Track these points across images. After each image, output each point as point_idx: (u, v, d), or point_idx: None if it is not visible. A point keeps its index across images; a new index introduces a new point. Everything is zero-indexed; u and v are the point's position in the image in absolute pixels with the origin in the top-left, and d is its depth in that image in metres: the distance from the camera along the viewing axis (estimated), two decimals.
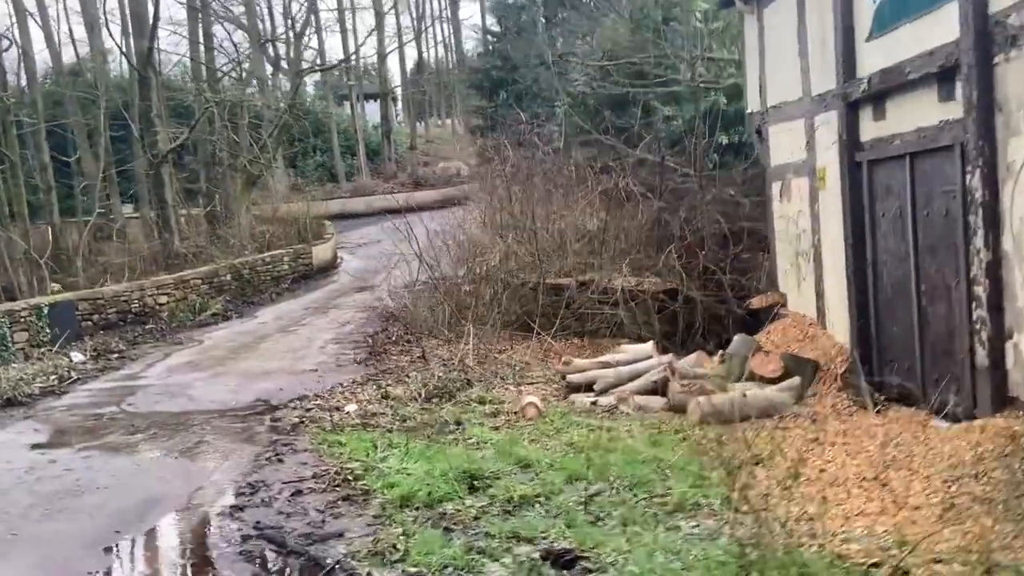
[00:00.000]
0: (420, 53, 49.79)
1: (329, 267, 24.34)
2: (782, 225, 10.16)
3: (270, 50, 31.85)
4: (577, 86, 23.21)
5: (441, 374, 9.92)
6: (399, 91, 49.77)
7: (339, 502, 6.23)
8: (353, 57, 36.37)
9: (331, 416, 8.84)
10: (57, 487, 6.99)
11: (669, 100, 20.95)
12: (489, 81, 25.01)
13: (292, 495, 6.46)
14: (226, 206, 27.07)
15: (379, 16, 40.15)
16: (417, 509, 5.91)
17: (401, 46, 44.19)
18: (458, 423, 8.17)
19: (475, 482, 6.31)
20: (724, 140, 15.24)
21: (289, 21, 30.25)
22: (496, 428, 8.05)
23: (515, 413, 8.60)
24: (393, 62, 48.06)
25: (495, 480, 6.35)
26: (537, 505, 5.85)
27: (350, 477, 6.70)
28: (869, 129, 7.99)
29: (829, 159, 8.86)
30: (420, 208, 39.47)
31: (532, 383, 9.93)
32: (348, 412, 9.05)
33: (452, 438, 7.79)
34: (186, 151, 29.93)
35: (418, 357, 11.86)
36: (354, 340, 14.01)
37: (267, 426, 8.75)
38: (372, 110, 48.97)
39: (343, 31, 41.85)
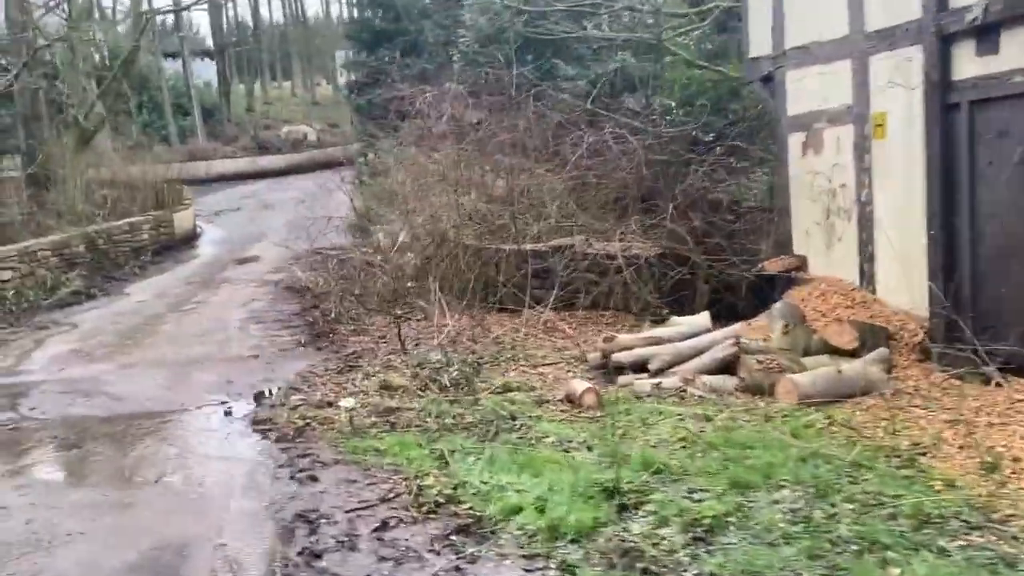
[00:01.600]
0: (256, 7, 45.97)
1: (191, 237, 21.56)
2: (805, 181, 9.22)
3: None
4: (465, 39, 21.64)
5: (440, 357, 8.26)
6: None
7: (452, 536, 4.61)
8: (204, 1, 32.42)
9: (331, 414, 7.02)
10: None
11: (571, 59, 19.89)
12: (370, 33, 22.74)
13: (376, 531, 4.75)
14: (47, 166, 23.38)
15: None
16: (574, 541, 4.41)
17: None
18: (512, 417, 6.62)
19: (619, 498, 4.88)
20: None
21: None
22: (567, 422, 6.57)
23: (564, 401, 7.16)
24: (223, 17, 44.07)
25: (641, 494, 4.94)
26: (731, 527, 4.50)
27: (439, 499, 5.05)
28: (969, 66, 7.13)
29: (891, 103, 7.95)
30: (267, 174, 37.04)
31: (551, 364, 8.47)
32: (346, 408, 7.26)
33: (518, 437, 6.25)
34: None
35: (379, 338, 10.08)
36: (277, 320, 11.95)
37: (257, 431, 6.81)
38: (201, 69, 44.79)
39: None
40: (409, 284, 11.04)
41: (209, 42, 46.24)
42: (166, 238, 20.22)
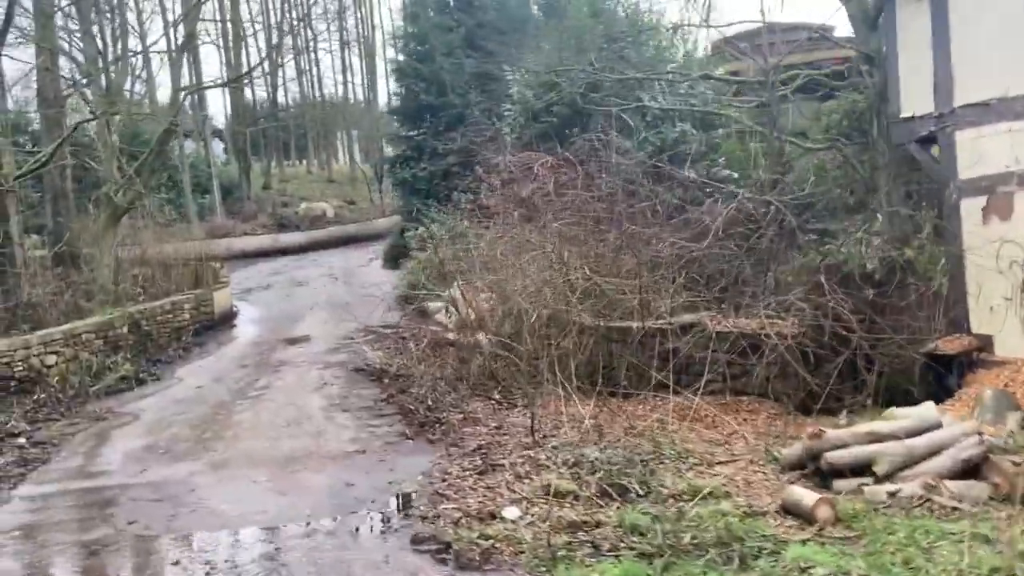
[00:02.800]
0: (275, 88, 45.76)
1: (229, 316, 20.39)
2: (988, 251, 8.20)
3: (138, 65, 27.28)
4: (512, 112, 20.97)
5: (597, 455, 7.08)
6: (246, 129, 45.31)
7: None
8: (246, 76, 31.92)
9: (505, 529, 5.80)
10: None
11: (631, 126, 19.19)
12: (414, 106, 22.04)
13: None
14: (74, 244, 22.31)
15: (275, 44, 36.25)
16: None
17: (276, 67, 39.68)
18: (738, 538, 5.41)
19: None
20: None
21: (170, 31, 25.94)
22: (815, 543, 5.35)
23: (782, 513, 5.95)
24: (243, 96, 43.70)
25: None
26: None
27: None
28: None
29: None
30: (288, 251, 36.12)
31: (727, 462, 7.28)
32: (511, 518, 6.06)
33: (771, 565, 5.03)
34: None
35: (496, 428, 8.88)
36: (364, 407, 10.75)
37: (423, 552, 5.60)
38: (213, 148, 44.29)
39: (226, 48, 37.07)
40: (517, 366, 9.85)
41: (216, 122, 46.05)
42: (206, 318, 19.07)
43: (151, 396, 12.71)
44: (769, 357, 8.91)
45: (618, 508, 6.07)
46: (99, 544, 6.33)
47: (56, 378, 13.58)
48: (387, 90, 50.63)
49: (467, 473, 7.31)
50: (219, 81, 28.95)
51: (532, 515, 6.15)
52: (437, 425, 9.30)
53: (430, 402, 10.14)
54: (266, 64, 33.15)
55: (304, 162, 51.94)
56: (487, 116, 22.02)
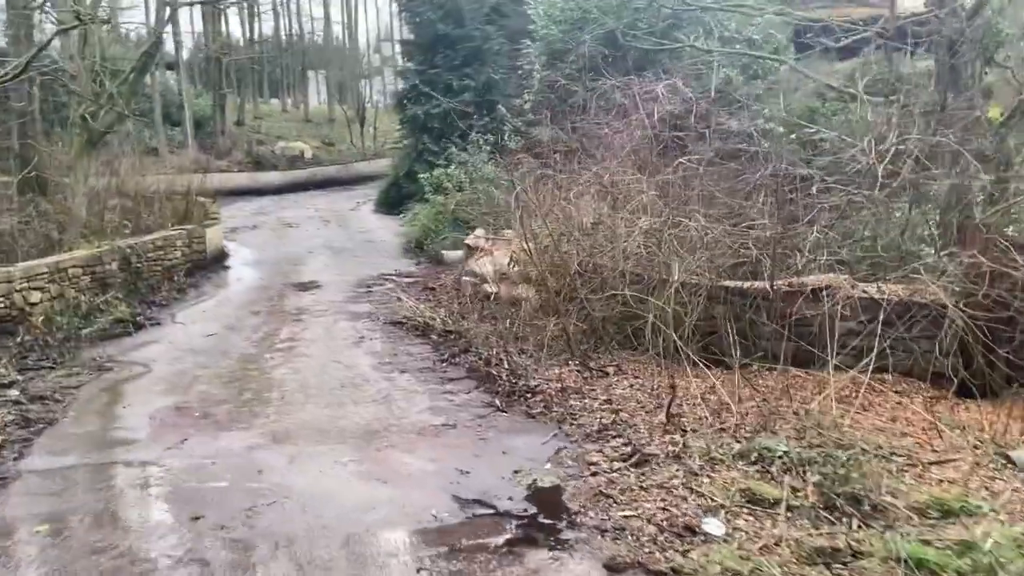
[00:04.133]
0: (252, 17, 42.79)
1: (221, 256, 18.41)
2: None
3: None
4: (531, 51, 19.10)
5: (785, 448, 5.58)
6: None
7: None
8: None
9: (725, 556, 4.29)
10: None
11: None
12: (430, 37, 19.96)
13: None
14: (40, 171, 19.96)
15: None
16: None
17: None
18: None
19: None
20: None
21: None
22: None
23: None
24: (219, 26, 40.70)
25: None
26: None
27: None
28: None
29: None
30: (267, 191, 33.82)
31: (943, 462, 5.83)
32: (716, 533, 4.55)
33: None
34: None
35: (606, 402, 7.34)
36: (425, 368, 9.12)
37: None
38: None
39: None
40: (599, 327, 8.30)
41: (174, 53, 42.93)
42: (198, 257, 17.09)
43: (156, 343, 10.88)
44: (926, 331, 7.49)
45: (860, 528, 4.59)
46: (165, 555, 4.66)
47: (41, 318, 11.66)
48: (376, 27, 48.05)
49: (617, 463, 5.76)
50: None
51: (741, 530, 4.64)
52: (529, 395, 7.71)
53: (507, 365, 8.54)
54: None
55: (277, 100, 49.17)
56: (507, 53, 20.15)
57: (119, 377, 9.16)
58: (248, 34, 43.37)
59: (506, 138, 17.54)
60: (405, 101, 20.32)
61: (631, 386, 7.74)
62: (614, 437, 6.33)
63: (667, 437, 6.24)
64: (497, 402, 7.58)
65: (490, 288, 12.79)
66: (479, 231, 16.61)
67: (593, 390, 7.72)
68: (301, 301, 13.69)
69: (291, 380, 8.70)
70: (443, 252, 16.62)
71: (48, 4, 22.84)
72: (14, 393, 8.55)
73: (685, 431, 6.32)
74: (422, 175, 18.61)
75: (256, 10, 43.90)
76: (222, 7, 31.15)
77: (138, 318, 12.36)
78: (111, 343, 11.03)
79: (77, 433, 7.12)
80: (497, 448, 6.37)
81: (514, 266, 11.06)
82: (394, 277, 15.63)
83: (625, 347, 9.02)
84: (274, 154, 38.76)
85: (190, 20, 43.34)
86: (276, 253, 19.08)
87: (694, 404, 7.00)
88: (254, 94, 45.58)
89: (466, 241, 16.51)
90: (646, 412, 6.97)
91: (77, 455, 6.54)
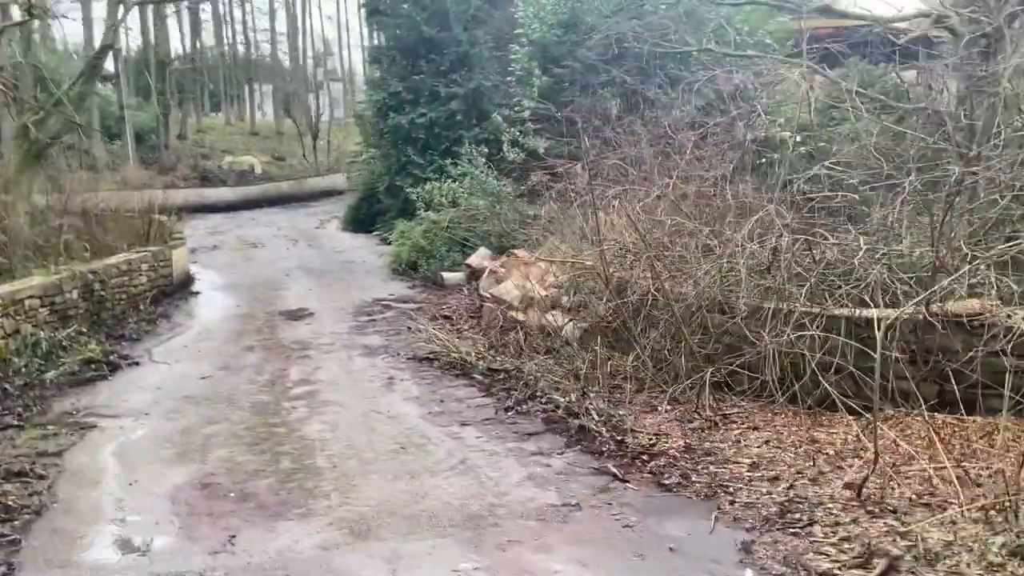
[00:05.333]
0: (197, 26, 40.46)
1: (188, 281, 16.43)
2: None
3: None
4: (519, 57, 17.73)
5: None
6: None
7: None
8: None
9: None
10: None
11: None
12: (412, 39, 18.30)
13: None
14: None
15: None
16: None
17: None
18: None
19: None
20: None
21: None
22: None
23: None
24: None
25: None
26: None
27: None
28: None
29: None
30: (217, 208, 31.55)
31: None
32: None
33: None
34: None
35: (752, 465, 5.90)
36: (485, 419, 7.54)
37: None
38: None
39: None
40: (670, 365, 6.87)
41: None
42: (164, 282, 15.12)
43: (141, 389, 9.05)
44: None
45: None
46: None
47: None
48: (322, 37, 46.31)
49: (854, 572, 4.29)
50: None
51: None
52: (645, 456, 6.22)
53: (596, 415, 7.03)
54: None
55: (221, 113, 46.76)
56: (496, 58, 18.71)
57: (109, 437, 7.35)
58: (191, 44, 40.99)
59: (505, 148, 16.06)
60: (387, 110, 18.60)
61: (767, 442, 6.32)
62: (807, 524, 4.87)
63: (881, 523, 4.82)
64: (611, 468, 6.06)
65: (518, 315, 11.29)
66: (482, 251, 15.09)
67: (721, 447, 6.28)
68: (297, 332, 11.93)
69: (332, 440, 7.02)
70: (442, 274, 15.02)
71: None
72: None
73: (894, 510, 4.92)
74: (410, 189, 16.96)
75: (199, 19, 41.64)
76: (175, 9, 28.88)
77: (111, 357, 10.46)
78: (84, 390, 9.15)
79: (78, 530, 5.34)
80: (655, 541, 4.86)
81: (572, 292, 9.54)
82: (393, 303, 13.97)
83: (720, 387, 7.61)
84: (222, 169, 36.56)
85: (125, 30, 40.75)
86: (248, 276, 17.18)
87: (865, 464, 5.63)
88: (197, 107, 43.13)
89: (468, 262, 14.98)
90: (813, 481, 5.56)
91: (89, 570, 4.79)
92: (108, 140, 34.92)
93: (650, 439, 6.48)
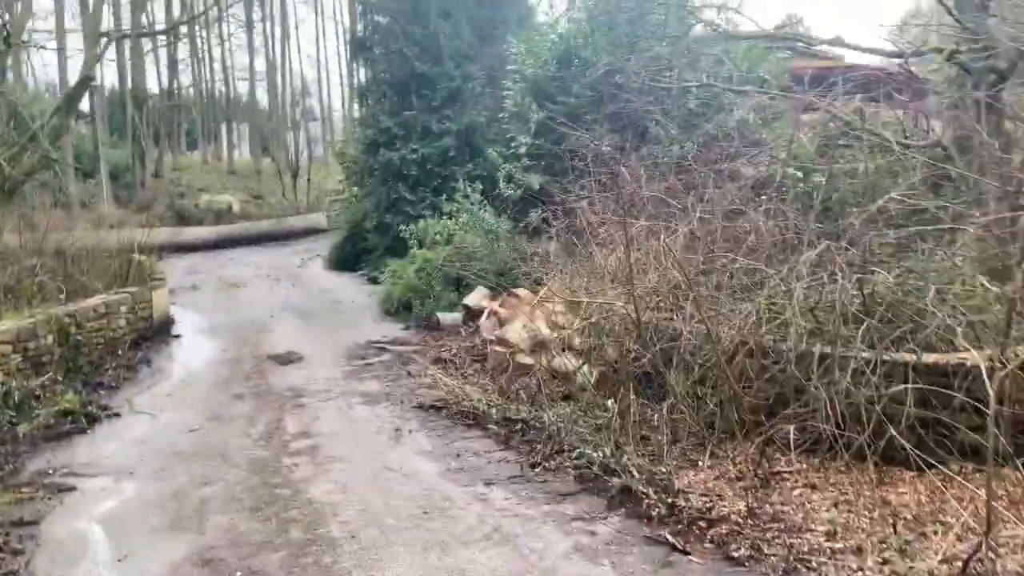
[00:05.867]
0: (173, 64, 39.81)
1: (167, 323, 15.52)
2: None
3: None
4: (512, 94, 17.28)
5: None
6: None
7: None
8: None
9: None
10: None
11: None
12: (402, 75, 17.75)
13: None
14: None
15: None
16: None
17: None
18: None
19: None
20: None
21: None
22: None
23: None
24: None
25: None
26: None
27: None
28: None
29: None
30: (195, 247, 30.62)
31: None
32: None
33: None
34: None
35: (827, 534, 5.24)
36: (510, 476, 6.83)
37: None
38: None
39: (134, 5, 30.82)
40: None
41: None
42: (143, 325, 14.23)
43: (123, 444, 8.22)
44: None
45: None
46: None
47: None
48: (300, 76, 45.99)
49: None
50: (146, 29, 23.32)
51: None
52: (703, 522, 5.52)
53: (636, 473, 6.33)
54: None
55: (197, 152, 45.94)
56: (488, 95, 18.24)
57: (91, 501, 6.52)
58: (168, 82, 40.30)
59: (501, 185, 15.50)
60: (377, 146, 17.98)
61: (835, 505, 5.66)
62: None
63: None
64: (668, 537, 5.36)
65: (526, 359, 10.60)
66: (480, 290, 14.42)
67: (785, 511, 5.60)
68: (289, 378, 11.14)
69: (345, 503, 6.25)
70: (438, 315, 14.32)
71: None
72: None
73: None
74: (402, 227, 16.30)
75: (176, 56, 41.02)
76: (152, 47, 28.22)
77: (89, 408, 9.59)
78: (61, 445, 8.31)
79: None
80: None
81: (595, 334, 8.88)
82: (387, 345, 13.21)
83: (761, 440, 6.96)
84: (199, 208, 35.69)
85: (101, 66, 40.00)
86: (231, 318, 16.33)
87: (962, 531, 4.98)
88: (174, 145, 42.32)
89: (465, 302, 14.30)
90: (902, 552, 4.90)
91: None
92: (82, 178, 33.97)
93: (704, 501, 5.79)
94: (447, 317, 14.28)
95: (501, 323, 12.31)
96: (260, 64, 45.27)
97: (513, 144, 16.13)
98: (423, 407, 9.21)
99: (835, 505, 5.65)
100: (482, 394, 9.21)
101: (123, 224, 30.93)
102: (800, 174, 13.35)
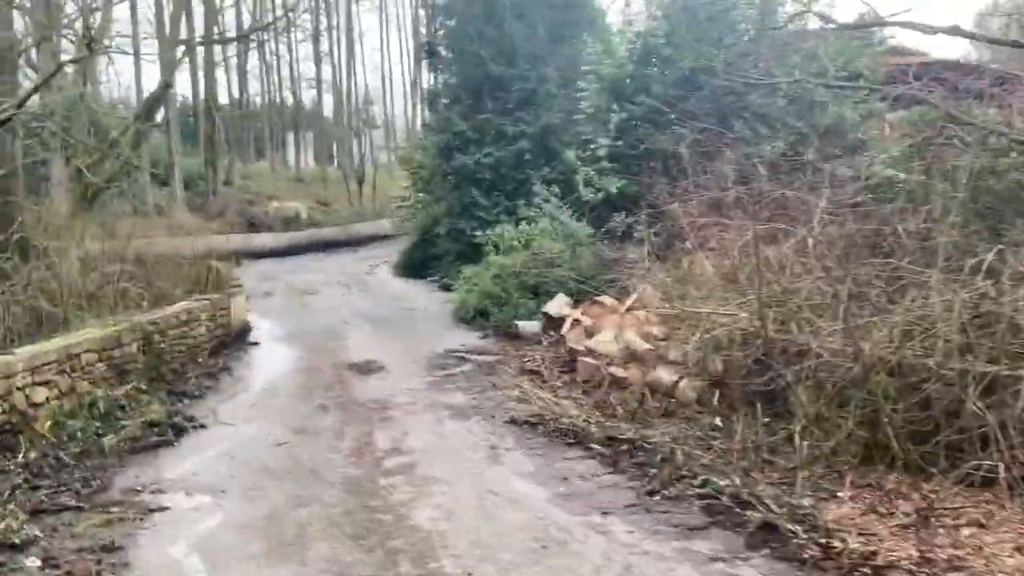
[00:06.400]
0: (244, 74, 40.17)
1: (245, 331, 15.26)
2: None
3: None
4: (588, 93, 16.64)
5: None
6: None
7: None
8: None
9: None
10: None
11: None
12: (477, 76, 17.28)
13: None
14: (24, 232, 16.69)
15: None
16: None
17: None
18: None
19: None
20: None
21: None
22: None
23: None
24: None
25: None
26: None
27: None
28: None
29: None
30: (265, 254, 30.62)
31: None
32: None
33: None
34: None
35: None
36: (628, 506, 6.20)
37: None
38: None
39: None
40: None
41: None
42: (223, 332, 13.98)
43: (211, 459, 7.82)
44: None
45: None
46: None
47: (48, 423, 8.54)
48: (364, 83, 46.07)
49: None
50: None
51: None
52: (866, 569, 4.82)
53: (772, 503, 5.65)
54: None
55: (265, 160, 46.31)
56: (563, 96, 17.66)
57: (183, 524, 6.10)
58: (239, 91, 40.66)
59: (580, 188, 14.90)
60: (451, 151, 17.53)
61: (1017, 549, 4.90)
62: None
63: None
64: None
65: (619, 372, 9.97)
66: (560, 297, 13.81)
67: (964, 557, 4.86)
68: (371, 389, 10.69)
69: (452, 532, 5.71)
70: (517, 323, 13.75)
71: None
72: (33, 563, 5.45)
73: None
74: (477, 232, 15.80)
75: (245, 67, 41.41)
76: (224, 57, 28.34)
77: (175, 418, 9.26)
78: (148, 459, 7.95)
79: None
80: None
81: (706, 347, 8.20)
82: (467, 355, 12.69)
83: (909, 468, 6.21)
84: (268, 215, 35.85)
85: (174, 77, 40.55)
86: (305, 325, 16.02)
87: None
88: (243, 154, 42.71)
89: (545, 310, 13.69)
90: None
91: None
92: (159, 186, 34.37)
93: (862, 542, 5.08)
94: (526, 326, 13.72)
95: (588, 333, 11.70)
96: (326, 74, 45.49)
97: (592, 146, 15.52)
98: (516, 422, 8.64)
99: (1017, 550, 4.89)
100: (578, 409, 8.60)
101: (198, 231, 31.29)
102: (903, 175, 12.43)
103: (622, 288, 12.94)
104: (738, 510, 5.75)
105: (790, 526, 5.28)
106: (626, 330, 10.78)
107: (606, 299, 12.71)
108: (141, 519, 6.25)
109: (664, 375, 9.59)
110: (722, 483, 6.12)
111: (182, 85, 40.08)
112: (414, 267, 22.44)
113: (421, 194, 25.43)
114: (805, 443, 6.46)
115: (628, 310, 11.49)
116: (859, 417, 6.27)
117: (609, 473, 6.96)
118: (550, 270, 14.27)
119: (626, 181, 15.46)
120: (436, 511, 6.14)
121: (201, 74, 34.22)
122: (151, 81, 35.82)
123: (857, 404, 6.29)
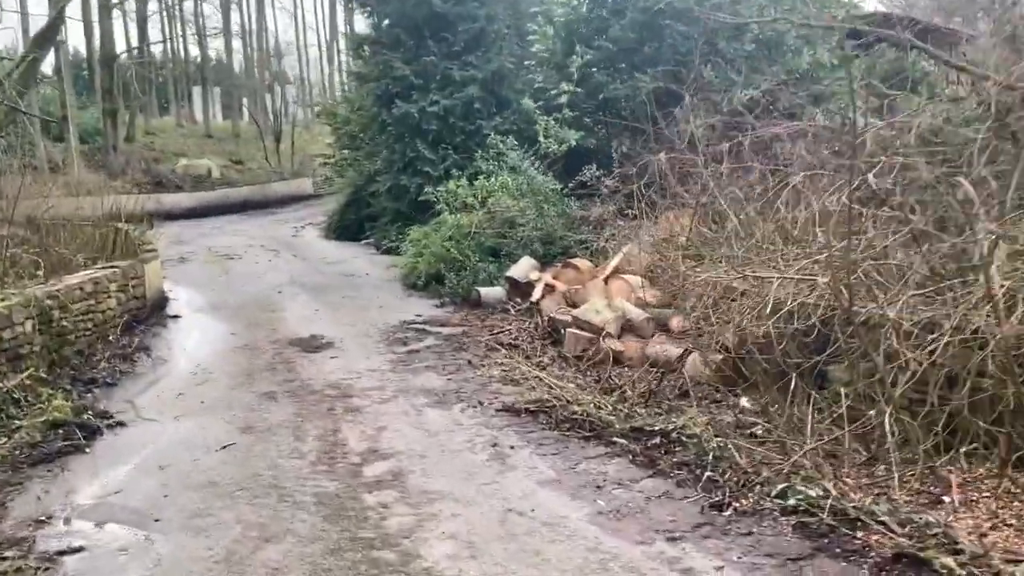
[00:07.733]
0: (144, 20, 36.65)
1: (163, 301, 13.26)
2: None
3: None
4: (540, 34, 15.10)
5: None
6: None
7: None
8: None
9: None
10: None
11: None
12: (421, 15, 15.31)
13: None
14: None
15: None
16: None
17: None
18: None
19: None
20: None
21: None
22: None
23: None
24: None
25: None
26: None
27: None
28: None
29: None
30: (175, 216, 27.94)
31: None
32: None
33: None
34: None
35: None
36: (689, 523, 4.84)
37: None
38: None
39: None
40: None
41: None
42: (136, 304, 11.96)
43: (134, 470, 6.10)
44: None
45: None
46: None
47: None
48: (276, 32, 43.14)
49: None
50: None
51: None
52: None
53: (891, 521, 4.38)
54: None
55: (170, 115, 42.87)
56: (510, 38, 16.01)
57: (102, 573, 4.41)
58: (138, 40, 37.18)
59: (540, 140, 13.37)
60: (391, 98, 15.65)
61: None
62: None
63: None
64: None
65: (616, 345, 8.60)
66: (525, 260, 12.32)
67: None
68: (324, 371, 9.02)
69: (475, 574, 4.22)
70: (478, 289, 12.23)
71: None
72: None
73: None
74: (428, 189, 14.12)
75: (145, 14, 37.86)
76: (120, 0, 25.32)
77: (85, 415, 7.41)
78: (53, 472, 6.18)
79: None
80: None
81: (699, 314, 6.87)
82: (426, 327, 11.13)
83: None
84: (176, 173, 33.04)
85: (65, 24, 36.62)
86: (233, 294, 14.10)
87: None
88: (146, 108, 39.28)
89: (509, 274, 12.20)
90: None
91: None
92: (51, 140, 31.05)
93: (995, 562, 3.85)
94: (489, 292, 12.21)
95: (568, 301, 10.28)
96: (235, 24, 42.17)
97: (553, 91, 13.97)
98: (512, 411, 7.17)
99: None
100: (583, 392, 7.18)
101: (100, 190, 28.16)
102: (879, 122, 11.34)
103: (597, 250, 11.58)
104: (845, 530, 4.45)
105: (940, 559, 3.99)
106: (616, 296, 9.42)
107: (580, 262, 11.32)
108: (46, 570, 4.54)
109: (670, 348, 8.29)
110: (811, 492, 4.81)
111: (75, 37, 36.40)
112: (347, 229, 20.58)
113: (346, 151, 23.44)
114: (893, 435, 5.19)
115: (612, 274, 10.12)
116: (966, 401, 5.04)
117: (649, 477, 5.59)
118: (511, 230, 12.75)
119: (583, 133, 14.05)
120: (451, 544, 4.64)
121: (96, 21, 30.80)
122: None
123: (961, 387, 5.05)
